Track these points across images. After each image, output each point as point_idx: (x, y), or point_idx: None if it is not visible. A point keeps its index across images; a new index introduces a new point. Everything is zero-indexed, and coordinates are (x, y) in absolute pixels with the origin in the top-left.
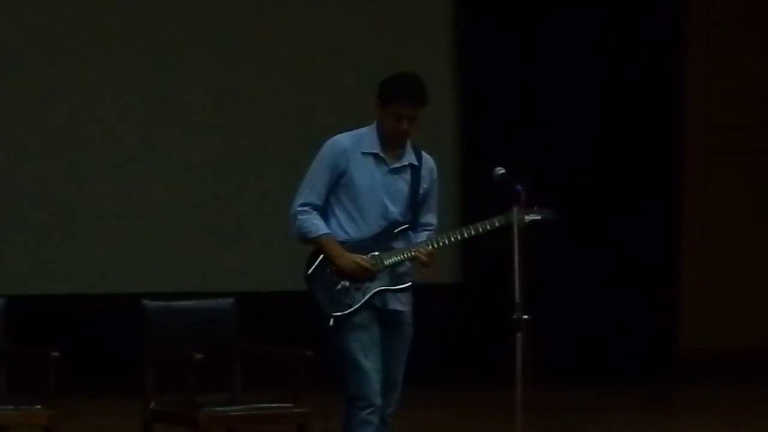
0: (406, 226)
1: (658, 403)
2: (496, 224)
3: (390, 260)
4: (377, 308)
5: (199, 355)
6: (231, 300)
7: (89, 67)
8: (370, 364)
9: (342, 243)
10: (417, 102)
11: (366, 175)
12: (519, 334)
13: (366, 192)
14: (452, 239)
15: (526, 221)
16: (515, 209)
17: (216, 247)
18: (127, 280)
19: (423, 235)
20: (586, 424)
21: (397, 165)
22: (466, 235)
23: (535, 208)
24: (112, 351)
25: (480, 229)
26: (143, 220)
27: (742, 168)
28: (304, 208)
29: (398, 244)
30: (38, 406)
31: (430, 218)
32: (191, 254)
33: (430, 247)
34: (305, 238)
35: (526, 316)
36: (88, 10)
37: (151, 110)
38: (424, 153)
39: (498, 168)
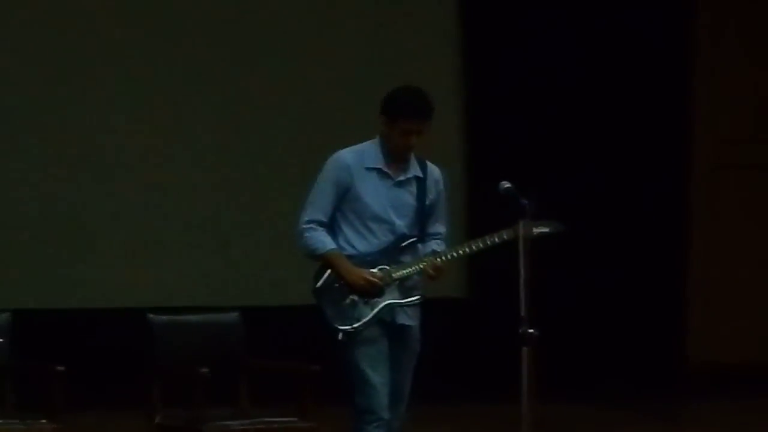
0: (414, 239)
1: (664, 417)
2: (504, 237)
3: (399, 274)
4: (385, 322)
5: (204, 369)
6: (237, 314)
7: (96, 81)
8: (378, 378)
9: (350, 257)
10: (425, 117)
11: (371, 190)
12: (525, 349)
13: (372, 207)
14: (460, 253)
15: (535, 233)
16: (521, 223)
17: (223, 261)
18: (133, 295)
19: (432, 245)
20: None
21: (402, 178)
22: (474, 248)
23: (543, 220)
24: (118, 365)
25: (488, 243)
26: (150, 235)
27: (749, 181)
28: (311, 225)
29: (406, 257)
30: (44, 421)
31: (439, 227)
32: (198, 268)
33: (438, 260)
34: (313, 255)
35: (532, 331)
36: (96, 23)
37: (159, 125)
38: (429, 164)
39: (504, 182)
